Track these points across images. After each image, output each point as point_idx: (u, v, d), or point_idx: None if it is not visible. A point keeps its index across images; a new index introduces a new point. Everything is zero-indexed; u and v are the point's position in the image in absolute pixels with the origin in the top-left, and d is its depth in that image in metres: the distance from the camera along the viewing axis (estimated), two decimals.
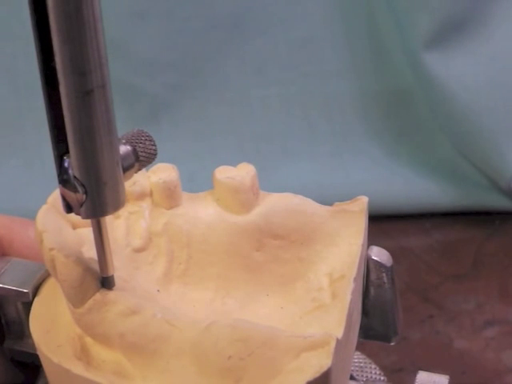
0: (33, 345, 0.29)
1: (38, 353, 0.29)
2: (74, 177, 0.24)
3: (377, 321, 0.31)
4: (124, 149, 0.25)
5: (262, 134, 0.68)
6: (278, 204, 0.31)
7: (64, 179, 0.24)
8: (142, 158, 0.26)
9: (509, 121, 0.63)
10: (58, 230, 0.28)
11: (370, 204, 0.31)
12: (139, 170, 0.26)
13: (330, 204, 0.32)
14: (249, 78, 0.67)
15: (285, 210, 0.31)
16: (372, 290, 0.31)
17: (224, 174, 0.31)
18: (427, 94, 0.65)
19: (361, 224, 0.31)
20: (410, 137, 0.68)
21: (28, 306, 0.30)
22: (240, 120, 0.68)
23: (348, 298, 0.28)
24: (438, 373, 0.33)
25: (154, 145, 0.26)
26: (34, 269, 0.31)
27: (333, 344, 0.25)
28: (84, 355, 0.27)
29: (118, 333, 0.26)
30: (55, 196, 0.28)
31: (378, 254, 0.31)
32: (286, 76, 0.67)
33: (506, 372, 0.50)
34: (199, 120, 0.68)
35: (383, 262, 0.30)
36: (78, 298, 0.27)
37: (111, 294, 0.27)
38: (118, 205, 0.25)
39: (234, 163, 0.32)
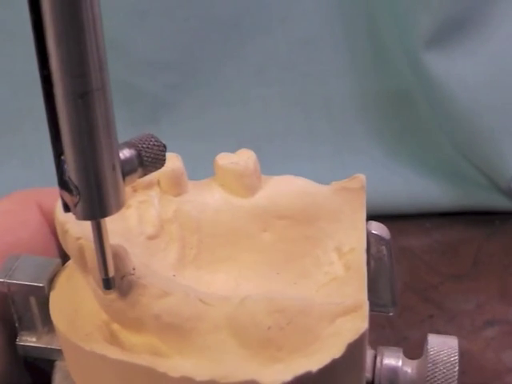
0: (47, 340, 0.29)
1: (64, 345, 0.28)
2: (69, 177, 0.23)
3: (377, 292, 0.32)
4: (127, 153, 0.25)
5: (262, 134, 0.68)
6: (281, 186, 0.32)
7: (62, 179, 0.24)
8: (148, 163, 0.25)
9: (509, 121, 0.63)
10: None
11: (369, 204, 0.32)
12: (144, 175, 0.25)
13: None
14: (249, 78, 0.67)
15: (289, 191, 0.32)
16: (372, 263, 0.32)
17: (226, 160, 0.32)
18: (427, 93, 0.65)
19: (362, 200, 0.32)
20: (410, 137, 0.68)
21: (42, 300, 0.30)
22: (240, 120, 0.68)
23: (364, 266, 0.29)
24: None
25: (163, 151, 0.25)
26: (45, 263, 0.31)
27: (366, 307, 0.26)
28: (114, 341, 0.27)
29: (153, 315, 0.26)
30: None
31: (377, 228, 0.31)
32: (286, 76, 0.67)
33: (506, 372, 0.50)
34: (199, 120, 0.68)
35: (383, 235, 0.31)
36: None
37: (141, 278, 0.27)
38: (114, 208, 0.24)
39: None
